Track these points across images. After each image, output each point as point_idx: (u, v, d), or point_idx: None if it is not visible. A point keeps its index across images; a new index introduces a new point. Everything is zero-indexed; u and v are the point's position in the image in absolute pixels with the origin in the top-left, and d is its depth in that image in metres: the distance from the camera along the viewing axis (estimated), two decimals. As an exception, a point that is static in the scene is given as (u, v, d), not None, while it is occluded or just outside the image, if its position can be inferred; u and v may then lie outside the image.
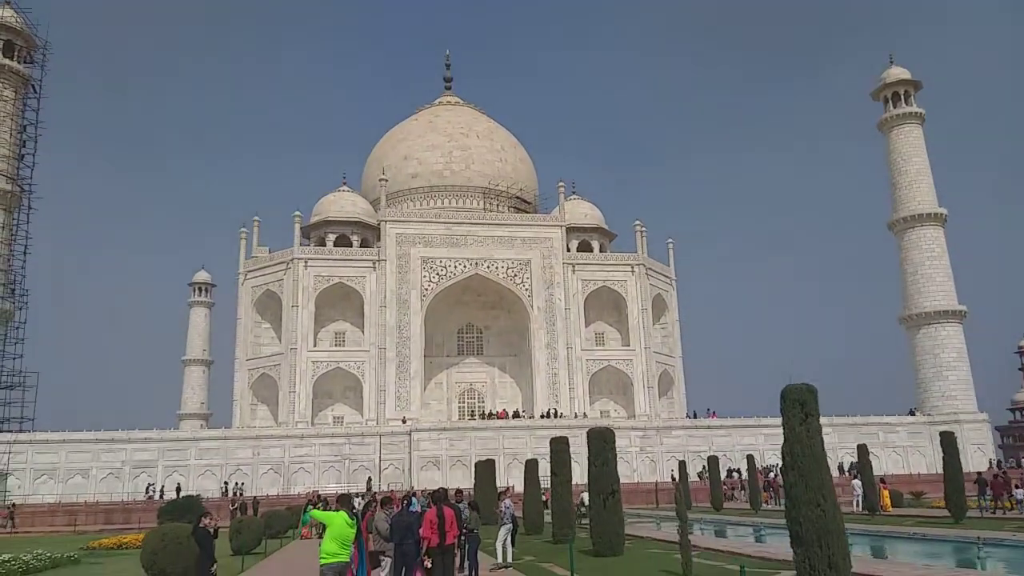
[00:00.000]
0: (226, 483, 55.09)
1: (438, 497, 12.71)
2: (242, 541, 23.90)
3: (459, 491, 15.23)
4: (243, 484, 55.39)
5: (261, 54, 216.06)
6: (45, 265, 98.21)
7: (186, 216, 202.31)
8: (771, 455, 63.81)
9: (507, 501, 17.10)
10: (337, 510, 10.20)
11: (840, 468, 61.90)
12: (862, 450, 32.15)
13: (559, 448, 22.10)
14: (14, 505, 47.72)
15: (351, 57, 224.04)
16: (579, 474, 32.01)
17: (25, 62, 64.55)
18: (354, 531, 9.93)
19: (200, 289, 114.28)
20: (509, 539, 16.74)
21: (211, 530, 12.30)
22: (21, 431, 57.12)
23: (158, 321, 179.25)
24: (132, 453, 56.09)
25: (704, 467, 60.45)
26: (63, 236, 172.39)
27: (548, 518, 29.61)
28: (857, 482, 35.22)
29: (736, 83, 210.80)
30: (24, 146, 63.14)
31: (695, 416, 71.74)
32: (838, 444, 64.37)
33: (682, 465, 43.91)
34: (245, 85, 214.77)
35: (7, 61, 62.74)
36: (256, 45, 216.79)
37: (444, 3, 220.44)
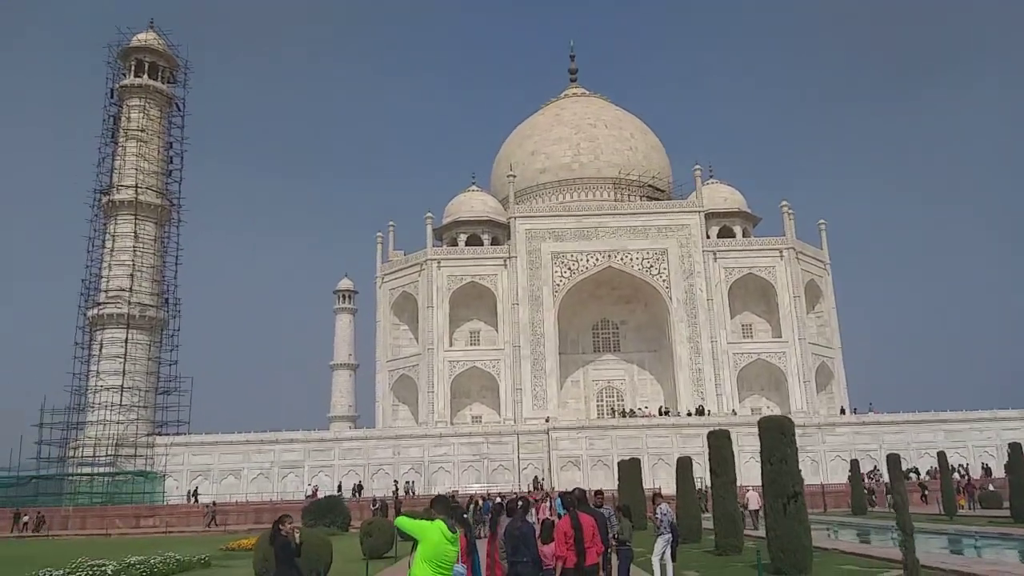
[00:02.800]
0: (396, 482, 55.14)
1: (572, 500, 9.76)
2: (372, 544, 22.37)
3: (599, 493, 12.21)
4: (413, 483, 55.17)
5: (390, 58, 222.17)
6: (195, 274, 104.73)
7: (328, 223, 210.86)
8: (953, 453, 56.60)
9: (664, 506, 14.13)
10: (431, 518, 7.20)
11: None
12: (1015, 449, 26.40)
13: (720, 444, 18.96)
14: (214, 503, 49.36)
15: (477, 57, 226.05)
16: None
17: (168, 82, 67.95)
18: (457, 549, 7.14)
19: (344, 296, 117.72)
20: (668, 552, 13.84)
21: (294, 539, 10.16)
22: (178, 434, 59.71)
23: (306, 326, 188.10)
24: (280, 454, 57.30)
25: (876, 467, 54.65)
26: (211, 246, 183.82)
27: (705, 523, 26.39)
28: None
29: (897, 50, 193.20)
30: (171, 162, 66.43)
31: (843, 412, 65.28)
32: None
33: (855, 464, 39.02)
34: (376, 90, 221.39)
35: (152, 82, 66.18)
36: (385, 49, 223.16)
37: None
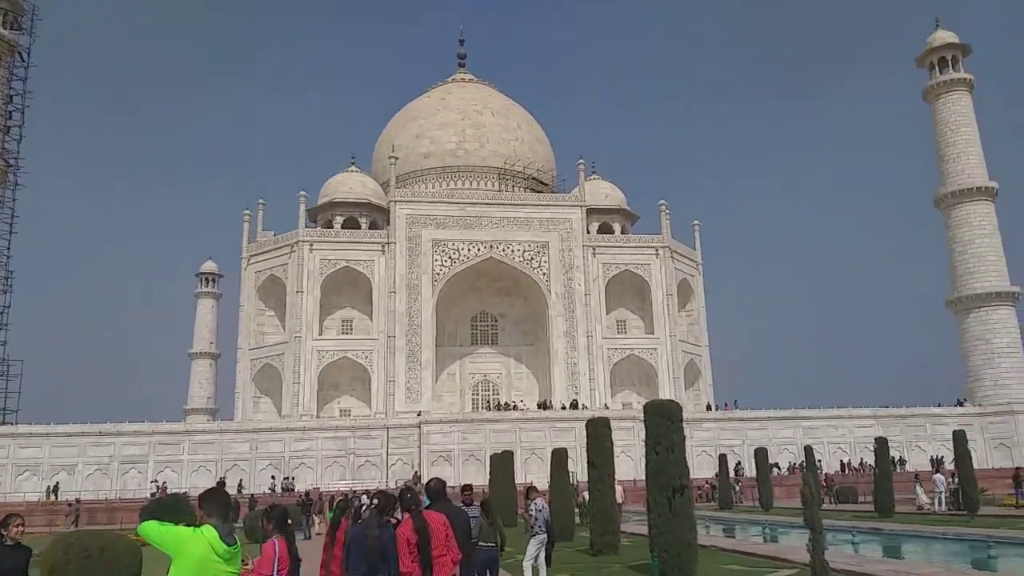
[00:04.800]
0: (273, 477, 51.65)
1: (413, 497, 7.15)
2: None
3: (467, 488, 9.92)
4: (293, 478, 51.55)
5: (267, 29, 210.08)
6: (34, 246, 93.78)
7: (193, 201, 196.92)
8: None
9: (539, 501, 12.26)
10: (197, 523, 4.88)
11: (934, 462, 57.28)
12: (959, 438, 27.16)
13: (599, 433, 17.53)
14: (78, 500, 44.31)
15: (364, 36, 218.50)
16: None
17: (12, 28, 60.57)
18: (236, 570, 4.86)
19: (207, 280, 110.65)
20: (543, 555, 12.09)
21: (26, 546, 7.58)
22: (4, 423, 53.20)
23: (164, 311, 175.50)
24: (121, 448, 51.93)
25: (739, 463, 56.00)
26: (55, 216, 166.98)
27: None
28: (940, 477, 30.30)
29: (768, 51, 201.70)
30: (10, 118, 59.22)
31: (709, 408, 66.93)
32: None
33: (723, 459, 39.24)
34: (252, 62, 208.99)
35: (-9, 27, 58.83)
36: (263, 19, 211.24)
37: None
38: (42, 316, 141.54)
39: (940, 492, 29.61)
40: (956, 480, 27.75)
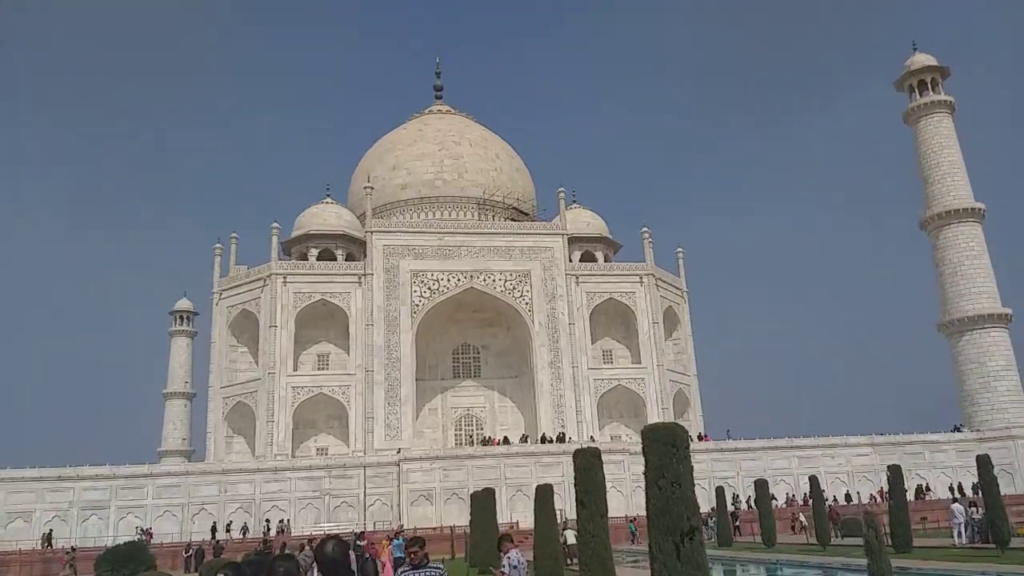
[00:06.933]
0: (267, 520, 49.49)
1: (288, 571, 4.87)
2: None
3: (415, 543, 7.47)
4: (287, 520, 49.44)
5: (241, 59, 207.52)
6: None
7: (167, 238, 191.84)
8: (806, 480, 56.79)
9: (514, 554, 9.97)
10: None
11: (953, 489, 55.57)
12: (983, 463, 25.11)
13: (588, 466, 15.35)
14: (73, 548, 41.74)
15: (337, 68, 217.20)
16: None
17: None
18: None
19: (181, 318, 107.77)
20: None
21: None
22: (-44, 469, 50.04)
23: (136, 350, 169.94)
24: (81, 492, 48.90)
25: (736, 496, 53.88)
26: (18, 249, 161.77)
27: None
28: (958, 506, 28.24)
29: (747, 75, 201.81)
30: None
31: (700, 438, 64.74)
32: (879, 465, 57.22)
33: (720, 492, 37.04)
34: (225, 91, 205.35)
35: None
36: (240, 49, 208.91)
37: (434, 10, 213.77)
38: (5, 354, 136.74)
39: (959, 523, 27.56)
40: (980, 510, 25.74)
